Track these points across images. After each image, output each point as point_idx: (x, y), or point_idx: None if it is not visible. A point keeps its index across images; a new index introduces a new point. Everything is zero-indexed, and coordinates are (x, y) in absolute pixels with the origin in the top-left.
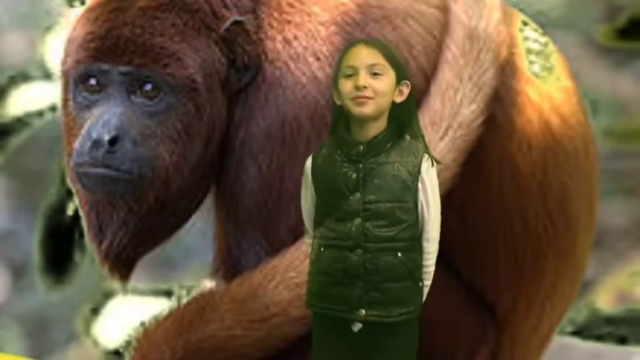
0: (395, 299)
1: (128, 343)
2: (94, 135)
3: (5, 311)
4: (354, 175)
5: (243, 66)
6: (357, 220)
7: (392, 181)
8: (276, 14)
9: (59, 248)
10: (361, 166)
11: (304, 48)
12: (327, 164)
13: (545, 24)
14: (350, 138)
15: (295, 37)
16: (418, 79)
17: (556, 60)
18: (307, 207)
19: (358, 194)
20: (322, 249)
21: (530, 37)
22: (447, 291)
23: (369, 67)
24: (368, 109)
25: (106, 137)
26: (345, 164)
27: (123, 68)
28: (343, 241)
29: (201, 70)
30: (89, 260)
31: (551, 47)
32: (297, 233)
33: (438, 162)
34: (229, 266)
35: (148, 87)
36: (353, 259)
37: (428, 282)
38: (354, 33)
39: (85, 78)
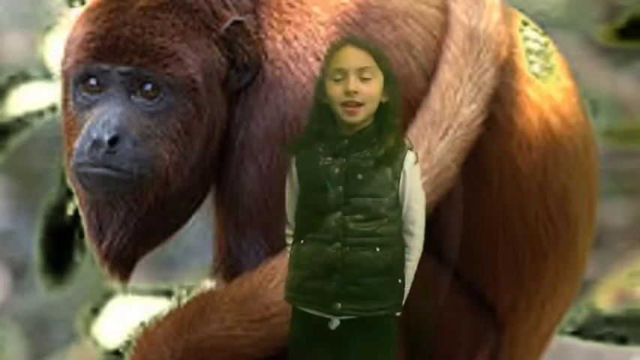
0: (372, 294)
1: (128, 343)
2: (94, 135)
3: (5, 311)
4: (337, 170)
5: (243, 66)
6: (337, 214)
7: (375, 177)
8: (276, 14)
9: (59, 248)
10: (344, 160)
11: (304, 48)
12: (310, 157)
13: (545, 24)
14: (334, 131)
15: (295, 37)
16: (418, 79)
17: (556, 60)
18: (289, 199)
19: (340, 188)
20: (302, 242)
21: (530, 37)
22: (446, 291)
23: (358, 70)
24: (358, 118)
25: (106, 137)
26: (328, 158)
27: (123, 68)
28: (322, 235)
29: (201, 70)
30: (89, 260)
31: (551, 47)
32: None
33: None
34: (229, 266)
35: (148, 87)
36: (331, 253)
37: (409, 277)
38: (354, 33)
39: (85, 78)
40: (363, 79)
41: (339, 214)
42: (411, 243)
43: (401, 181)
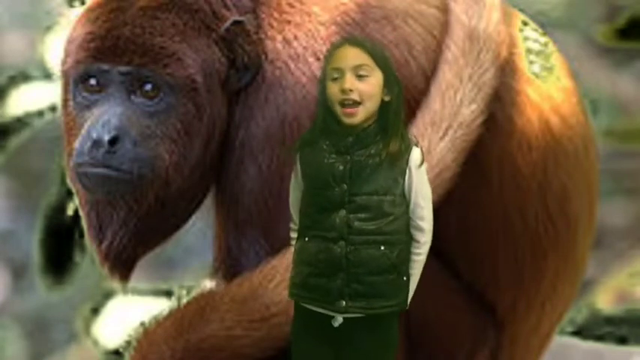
0: (377, 292)
1: (128, 343)
2: (94, 135)
3: (5, 311)
4: (342, 167)
5: (243, 66)
6: (342, 212)
7: (379, 174)
8: (276, 14)
9: (59, 248)
10: (349, 157)
11: (304, 48)
12: (315, 154)
13: (545, 24)
14: (338, 128)
15: (295, 37)
16: (418, 79)
17: (556, 60)
18: (294, 196)
19: (344, 186)
20: (306, 239)
21: (530, 37)
22: (447, 291)
23: (354, 68)
24: (357, 119)
25: (106, 137)
26: (332, 155)
27: (123, 68)
28: (327, 232)
29: (201, 70)
30: (89, 260)
31: (551, 47)
32: None
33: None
34: (229, 266)
35: (148, 87)
36: (335, 251)
37: (416, 271)
38: (354, 33)
39: (85, 78)
40: (360, 77)
41: (343, 212)
42: (421, 238)
43: (406, 177)
